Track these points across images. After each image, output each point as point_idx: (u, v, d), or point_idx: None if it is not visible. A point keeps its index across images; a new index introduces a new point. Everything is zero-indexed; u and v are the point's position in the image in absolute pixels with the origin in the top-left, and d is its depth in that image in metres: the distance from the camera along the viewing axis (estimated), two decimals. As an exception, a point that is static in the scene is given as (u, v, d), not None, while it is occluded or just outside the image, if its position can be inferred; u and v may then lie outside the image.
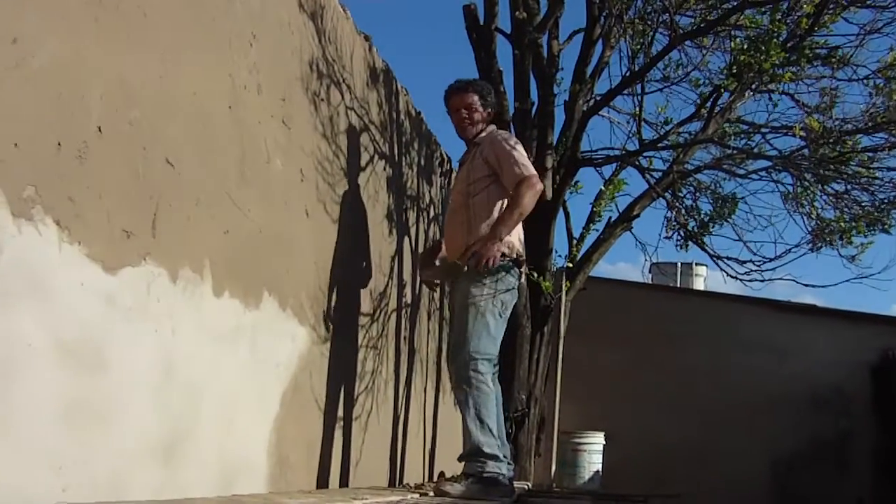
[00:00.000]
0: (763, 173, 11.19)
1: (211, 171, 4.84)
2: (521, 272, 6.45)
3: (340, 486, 6.62)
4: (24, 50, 3.46)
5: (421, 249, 8.83)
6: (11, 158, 3.37)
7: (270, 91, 5.55)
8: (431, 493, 6.15)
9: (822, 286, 11.41)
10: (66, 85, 3.70)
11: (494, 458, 6.06)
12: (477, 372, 6.10)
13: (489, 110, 6.69)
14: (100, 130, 3.90)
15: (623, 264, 78.80)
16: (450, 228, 6.71)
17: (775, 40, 9.15)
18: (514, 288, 6.35)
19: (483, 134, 6.60)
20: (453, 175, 9.78)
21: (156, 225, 4.31)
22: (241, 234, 5.13)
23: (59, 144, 3.64)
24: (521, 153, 6.38)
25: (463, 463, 6.19)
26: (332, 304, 6.49)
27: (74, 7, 3.77)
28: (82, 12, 3.82)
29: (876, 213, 10.75)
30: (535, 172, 6.33)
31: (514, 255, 6.29)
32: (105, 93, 3.96)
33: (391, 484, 7.87)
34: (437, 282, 7.49)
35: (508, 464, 6.22)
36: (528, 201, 6.21)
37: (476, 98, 6.63)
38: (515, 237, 6.34)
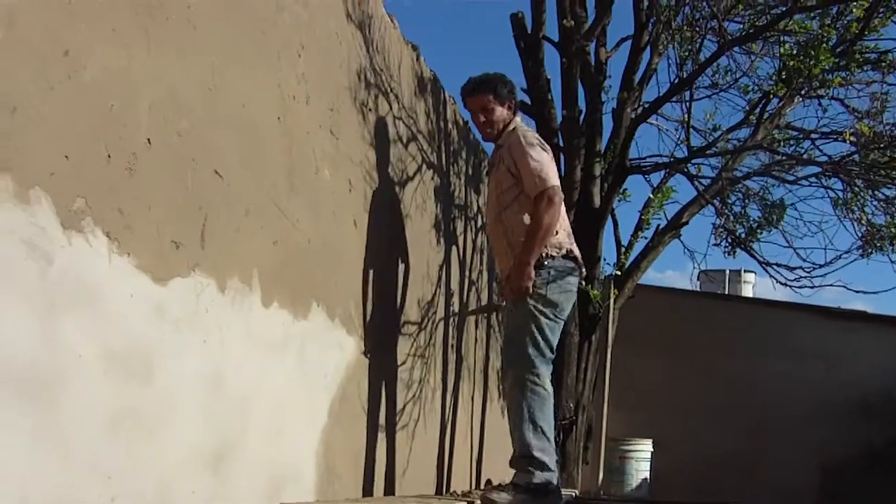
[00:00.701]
0: (813, 179, 11.15)
1: (259, 181, 4.85)
2: (579, 271, 6.35)
3: (387, 495, 6.62)
4: (75, 62, 3.48)
5: (469, 258, 8.83)
6: (62, 170, 3.40)
7: (319, 101, 5.56)
8: (478, 502, 6.14)
9: (873, 292, 11.39)
10: (116, 97, 3.72)
11: (543, 465, 6.01)
12: (534, 374, 6.03)
13: (508, 103, 6.46)
14: (149, 142, 3.92)
15: (671, 272, 78.69)
16: (494, 244, 6.64)
17: (825, 45, 9.11)
18: (571, 289, 6.27)
19: (506, 132, 6.43)
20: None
21: (204, 236, 4.33)
22: (289, 244, 5.14)
23: (108, 156, 3.66)
24: (539, 159, 6.16)
25: (512, 469, 6.16)
26: (380, 313, 6.50)
27: (125, 19, 3.79)
28: (132, 24, 3.84)
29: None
30: (553, 183, 6.09)
31: (565, 254, 6.22)
32: (154, 104, 3.98)
33: (438, 492, 7.87)
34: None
35: (555, 466, 6.19)
36: (549, 219, 6.05)
37: (490, 97, 6.42)
38: (563, 235, 6.23)
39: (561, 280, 6.14)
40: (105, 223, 3.63)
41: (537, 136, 6.36)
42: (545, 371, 6.08)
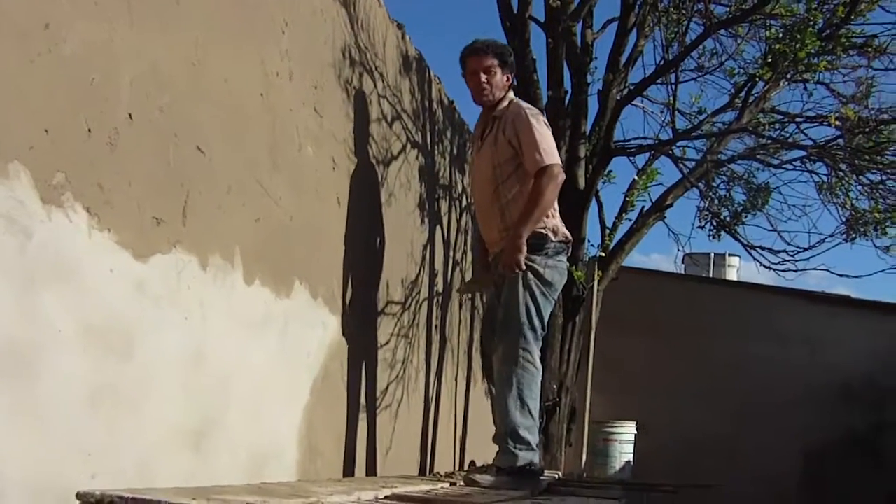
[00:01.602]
0: (797, 163, 11.14)
1: (242, 158, 4.83)
2: (568, 252, 6.33)
3: (370, 475, 6.62)
4: (55, 35, 3.46)
5: (453, 238, 8.82)
6: (42, 144, 3.37)
7: (302, 78, 5.54)
8: (461, 483, 6.13)
9: (857, 276, 11.38)
10: (97, 71, 3.69)
11: (527, 445, 5.99)
12: (526, 350, 6.00)
13: (509, 74, 6.42)
14: (130, 117, 3.90)
15: (657, 255, 78.78)
16: (484, 220, 6.54)
17: (811, 29, 9.09)
18: (563, 270, 6.24)
19: (504, 105, 6.35)
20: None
21: (186, 212, 4.30)
22: (271, 222, 5.12)
23: (89, 131, 3.64)
24: (544, 134, 6.12)
25: (495, 446, 6.14)
26: (364, 292, 6.48)
27: (106, -7, 3.77)
28: (114, -2, 3.82)
29: (911, 204, 10.69)
30: (557, 160, 6.08)
31: (562, 238, 6.19)
32: (136, 79, 3.95)
33: (421, 473, 7.87)
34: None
35: (538, 444, 6.17)
36: (550, 195, 6.01)
37: (495, 61, 6.32)
38: (558, 219, 6.20)
39: (557, 261, 6.13)
40: (85, 198, 3.61)
41: (541, 115, 6.32)
42: (536, 348, 6.06)
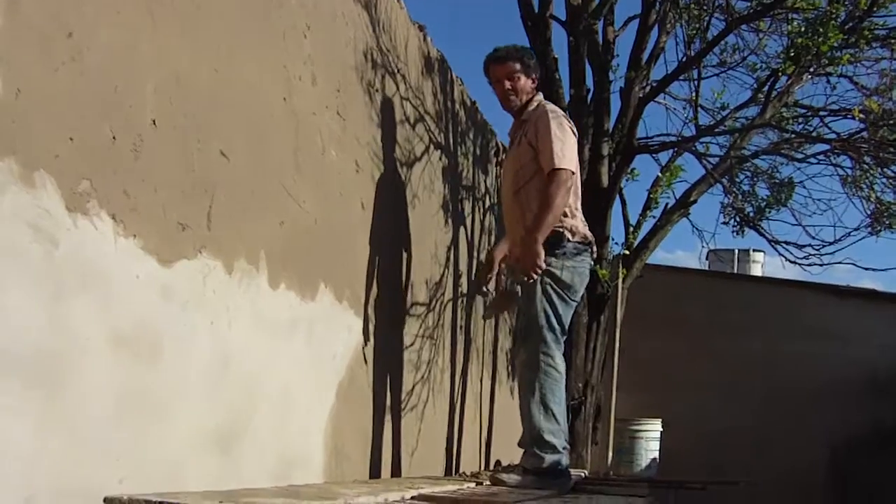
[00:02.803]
0: (821, 157, 11.13)
1: (266, 162, 4.84)
2: (592, 252, 6.33)
3: (396, 477, 6.63)
4: (79, 44, 3.47)
5: (477, 239, 8.82)
6: (66, 152, 3.39)
7: (325, 82, 5.55)
8: (488, 482, 6.14)
9: (883, 269, 11.34)
10: (120, 78, 3.71)
11: (553, 448, 5.99)
12: (547, 355, 6.00)
13: (533, 76, 6.42)
14: (154, 123, 3.92)
15: (681, 252, 78.52)
16: (508, 221, 6.54)
17: (833, 22, 9.07)
18: (584, 271, 6.21)
19: (532, 108, 6.36)
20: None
21: (211, 217, 4.32)
22: (296, 225, 5.13)
23: (113, 138, 3.66)
24: (563, 137, 6.06)
25: (521, 450, 6.15)
26: (388, 294, 6.49)
27: (129, 1, 3.78)
28: (137, 5, 3.84)
29: (936, 195, 10.67)
30: (570, 166, 6.00)
31: (580, 239, 6.17)
32: (159, 86, 3.97)
33: (447, 473, 7.87)
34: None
35: (566, 448, 6.17)
36: (560, 199, 5.95)
37: (518, 66, 6.35)
38: (579, 219, 6.19)
39: (576, 262, 6.11)
40: (110, 205, 3.63)
41: (565, 116, 6.31)
42: (558, 352, 6.06)
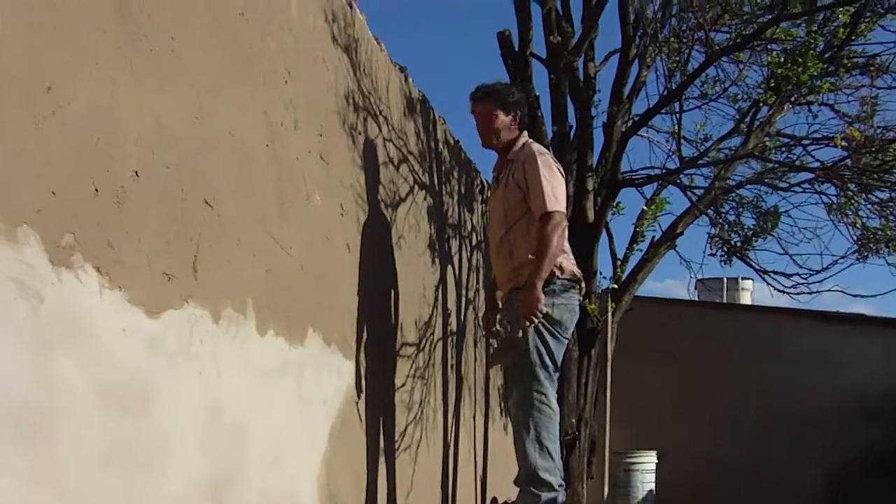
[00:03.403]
0: (806, 185, 11.12)
1: (250, 209, 4.84)
2: (581, 289, 6.36)
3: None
4: (59, 97, 3.47)
5: (465, 277, 8.82)
6: (49, 207, 3.38)
7: (307, 127, 5.55)
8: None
9: (871, 296, 11.34)
10: (101, 130, 3.71)
11: (549, 486, 6.00)
12: (540, 393, 6.04)
13: (513, 114, 6.47)
14: (136, 174, 3.91)
15: (671, 281, 78.80)
16: (495, 259, 6.62)
17: (812, 52, 9.12)
18: (574, 308, 6.26)
19: (517, 147, 6.44)
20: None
21: (196, 266, 4.31)
22: (282, 271, 5.12)
23: (96, 190, 3.64)
24: (552, 179, 6.18)
25: (517, 488, 6.15)
26: (377, 336, 6.48)
27: (107, 52, 3.77)
28: (116, 56, 3.83)
29: (922, 220, 10.68)
30: (560, 208, 6.12)
31: (569, 276, 6.21)
32: (141, 136, 3.96)
33: (443, 513, 7.85)
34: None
35: (561, 486, 6.17)
36: (557, 242, 6.04)
37: (493, 105, 6.44)
38: (563, 258, 6.21)
39: (564, 299, 6.14)
40: (95, 258, 3.62)
41: (553, 157, 6.36)
42: (551, 389, 6.08)
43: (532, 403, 6.04)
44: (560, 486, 6.11)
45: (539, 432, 6.01)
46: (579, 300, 6.34)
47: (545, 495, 5.98)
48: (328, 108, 5.92)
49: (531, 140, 6.50)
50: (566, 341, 6.27)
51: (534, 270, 5.97)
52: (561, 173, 6.31)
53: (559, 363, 6.19)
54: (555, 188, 6.14)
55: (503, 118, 6.43)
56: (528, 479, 6.04)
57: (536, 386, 6.04)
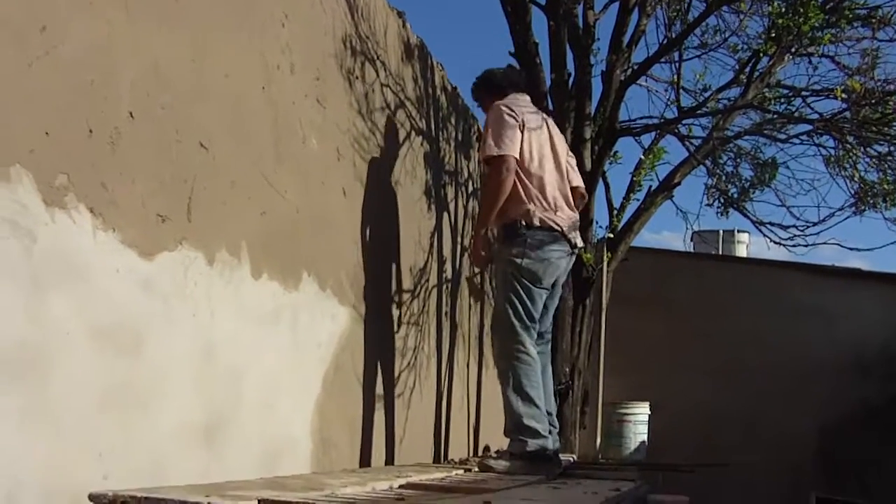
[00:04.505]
0: (804, 137, 11.12)
1: (245, 152, 4.82)
2: (565, 240, 6.35)
3: (384, 465, 6.61)
4: (53, 38, 3.45)
5: (461, 224, 8.82)
6: (43, 147, 3.37)
7: (304, 70, 5.52)
8: (476, 469, 6.15)
9: (868, 249, 11.32)
10: (96, 71, 3.69)
11: (535, 433, 6.02)
12: (518, 343, 6.09)
13: (496, 91, 6.63)
14: (131, 116, 3.89)
15: (667, 233, 78.70)
16: None
17: (814, 2, 9.05)
18: (551, 258, 6.25)
19: None
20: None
21: (191, 209, 4.30)
22: (277, 215, 5.11)
23: (90, 131, 3.63)
24: (496, 126, 6.22)
25: (508, 439, 6.18)
26: (372, 282, 6.48)
27: (103, -8, 3.76)
28: (112, -3, 3.81)
29: (920, 174, 10.66)
30: (499, 152, 6.13)
31: (540, 225, 6.21)
32: (136, 78, 3.95)
33: (436, 460, 7.86)
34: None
35: (551, 433, 6.19)
36: (494, 187, 6.13)
37: (479, 94, 6.86)
38: (539, 206, 6.23)
39: (538, 250, 6.14)
40: (88, 199, 3.61)
41: (512, 106, 6.36)
42: (527, 338, 6.12)
43: (510, 354, 6.09)
44: (548, 431, 6.12)
45: (520, 381, 6.04)
46: (566, 252, 6.34)
47: (532, 442, 5.99)
48: (325, 52, 5.89)
49: (506, 99, 6.51)
50: (543, 291, 6.26)
51: (479, 219, 6.27)
52: (514, 119, 6.26)
53: (535, 314, 6.20)
54: (498, 134, 6.18)
55: (487, 102, 6.65)
56: (514, 427, 6.08)
57: (513, 336, 6.09)
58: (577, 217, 6.54)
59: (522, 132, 6.25)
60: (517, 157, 6.19)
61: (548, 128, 6.44)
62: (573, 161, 6.80)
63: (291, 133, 5.34)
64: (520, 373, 6.04)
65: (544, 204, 6.26)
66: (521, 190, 6.19)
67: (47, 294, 3.41)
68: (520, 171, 6.20)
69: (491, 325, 6.40)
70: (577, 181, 6.74)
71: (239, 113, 4.78)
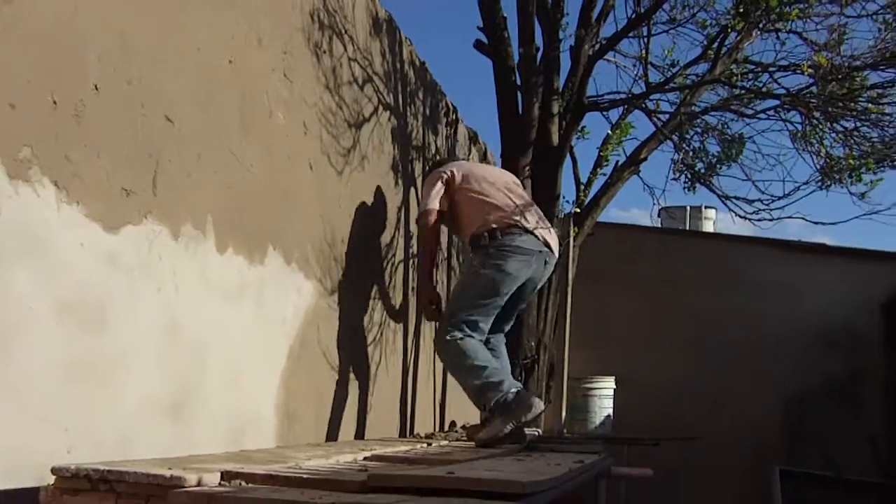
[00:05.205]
0: (771, 112, 11.10)
1: (212, 126, 4.80)
2: (525, 232, 6.64)
3: (350, 439, 6.62)
4: (19, 9, 3.43)
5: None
6: (7, 119, 3.35)
7: (271, 44, 5.50)
8: (445, 442, 6.22)
9: (832, 223, 11.38)
10: (62, 43, 3.67)
11: (495, 387, 6.23)
12: (453, 330, 6.42)
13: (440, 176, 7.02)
14: (97, 88, 3.87)
15: (636, 210, 78.72)
16: None
17: (782, -23, 9.06)
18: (511, 267, 6.53)
19: None
20: (459, 125, 9.85)
21: (156, 182, 4.29)
22: (243, 189, 5.09)
23: (55, 104, 3.61)
24: (425, 190, 6.98)
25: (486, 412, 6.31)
26: (339, 256, 6.47)
27: (68, -36, 3.73)
28: (77, -31, 3.78)
29: (885, 150, 10.66)
30: (426, 208, 6.83)
31: (499, 231, 6.58)
32: (102, 50, 3.93)
33: (402, 435, 7.87)
34: None
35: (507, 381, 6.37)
36: (420, 238, 7.21)
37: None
38: (495, 215, 6.65)
39: (498, 261, 6.53)
40: (53, 172, 3.59)
41: (444, 165, 7.16)
42: (464, 332, 6.44)
43: (444, 340, 6.49)
44: (507, 381, 6.32)
45: (459, 361, 6.42)
46: (537, 249, 6.68)
47: (497, 395, 6.16)
48: (293, 26, 5.86)
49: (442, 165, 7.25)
50: (495, 300, 6.57)
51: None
52: (438, 174, 7.00)
53: (485, 326, 6.57)
54: (428, 191, 6.93)
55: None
56: (478, 397, 6.42)
57: (448, 327, 6.48)
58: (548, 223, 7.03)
59: (454, 176, 6.91)
60: (438, 208, 6.82)
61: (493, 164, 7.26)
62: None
63: (258, 107, 5.32)
64: (459, 354, 6.36)
65: (501, 214, 6.68)
66: (474, 208, 6.77)
67: (10, 268, 3.40)
68: (471, 193, 6.80)
69: (436, 332, 6.60)
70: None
71: (205, 86, 4.76)
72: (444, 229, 7.56)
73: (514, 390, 6.18)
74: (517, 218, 6.65)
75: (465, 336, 6.36)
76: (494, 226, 6.57)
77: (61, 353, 3.66)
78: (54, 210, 3.61)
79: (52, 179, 3.59)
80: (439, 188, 6.89)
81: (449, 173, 6.94)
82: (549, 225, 7.06)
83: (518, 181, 7.47)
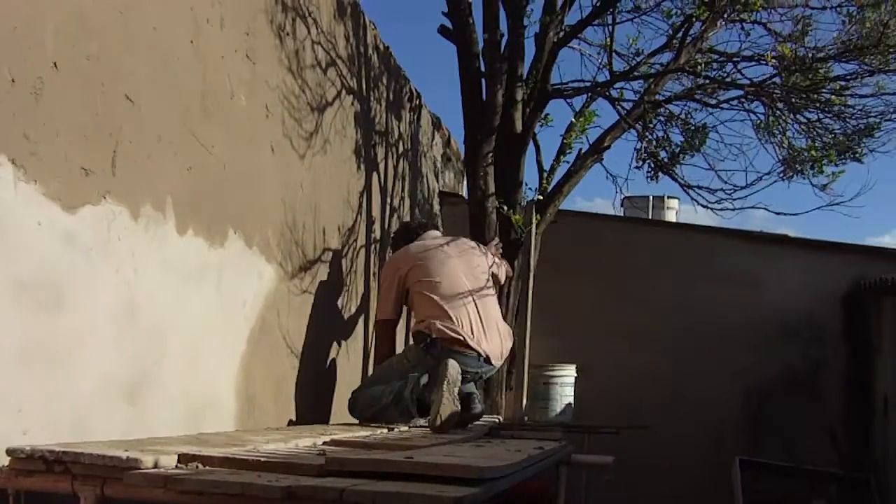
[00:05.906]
0: (735, 102, 11.13)
1: (173, 107, 4.77)
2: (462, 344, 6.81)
3: (309, 424, 6.60)
4: (-25, -16, 3.38)
5: (390, 185, 8.81)
6: (-38, 96, 3.31)
7: (234, 25, 5.46)
8: (405, 427, 6.21)
9: (794, 214, 11.36)
10: (20, 18, 3.62)
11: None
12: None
13: (409, 240, 7.32)
14: (56, 66, 3.83)
15: (600, 200, 78.88)
16: None
17: (747, -32, 9.07)
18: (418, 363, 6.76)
19: None
20: (423, 111, 9.83)
21: (115, 162, 4.24)
22: (204, 170, 5.06)
23: (12, 81, 3.57)
24: (385, 290, 7.16)
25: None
26: (300, 240, 6.44)
27: (27, -61, 3.68)
28: (35, -56, 3.74)
29: (847, 142, 10.70)
30: (385, 318, 7.19)
31: (434, 342, 6.72)
32: (61, 27, 3.88)
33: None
34: None
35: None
36: (376, 339, 7.44)
37: (399, 243, 7.48)
38: (438, 321, 6.78)
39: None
40: (10, 149, 3.55)
41: (400, 260, 7.22)
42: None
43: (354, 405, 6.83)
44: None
45: (364, 412, 6.73)
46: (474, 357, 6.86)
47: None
48: (256, 7, 5.83)
49: (408, 246, 7.31)
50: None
51: None
52: (389, 272, 7.21)
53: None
54: (379, 300, 7.36)
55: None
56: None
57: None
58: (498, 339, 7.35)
59: (407, 276, 7.02)
60: (392, 318, 7.21)
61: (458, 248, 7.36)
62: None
63: (220, 88, 5.28)
64: (363, 408, 6.74)
65: (447, 324, 6.79)
66: (424, 307, 6.92)
67: (-34, 246, 3.36)
68: (424, 291, 6.92)
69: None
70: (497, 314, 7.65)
71: (166, 66, 4.72)
72: None
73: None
74: (462, 333, 6.75)
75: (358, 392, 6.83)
76: (436, 336, 6.69)
77: (17, 333, 3.62)
78: (11, 188, 3.57)
79: (10, 157, 3.55)
80: (396, 293, 7.09)
81: (404, 273, 7.05)
82: (498, 327, 7.36)
83: (482, 252, 7.86)
